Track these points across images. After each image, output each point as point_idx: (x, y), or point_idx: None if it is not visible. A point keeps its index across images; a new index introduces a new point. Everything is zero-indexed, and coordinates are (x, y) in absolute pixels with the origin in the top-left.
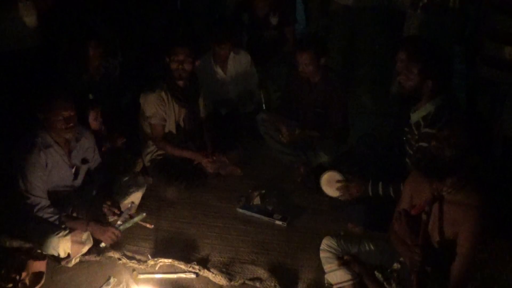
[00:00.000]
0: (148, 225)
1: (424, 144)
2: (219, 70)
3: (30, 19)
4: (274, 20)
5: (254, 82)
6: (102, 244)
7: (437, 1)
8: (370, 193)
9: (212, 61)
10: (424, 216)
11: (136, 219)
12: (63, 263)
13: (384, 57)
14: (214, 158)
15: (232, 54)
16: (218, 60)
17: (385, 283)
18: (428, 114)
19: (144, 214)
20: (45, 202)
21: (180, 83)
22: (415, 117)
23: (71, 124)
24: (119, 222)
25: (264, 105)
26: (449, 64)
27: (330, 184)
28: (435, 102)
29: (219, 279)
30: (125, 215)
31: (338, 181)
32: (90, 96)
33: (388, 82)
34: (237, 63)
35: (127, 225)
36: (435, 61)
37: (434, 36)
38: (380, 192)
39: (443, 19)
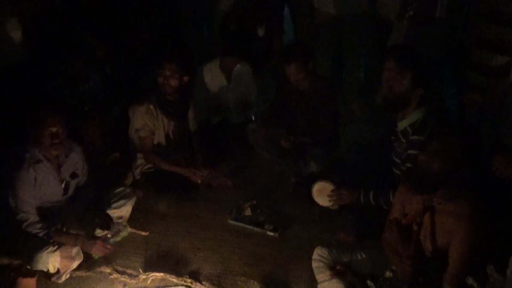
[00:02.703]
0: (143, 233)
1: (414, 152)
2: (222, 78)
3: (15, 33)
4: (261, 32)
5: (253, 94)
6: (95, 256)
7: (424, 11)
8: (362, 202)
9: (218, 68)
10: (415, 227)
11: (123, 233)
12: (53, 279)
13: (372, 65)
14: (204, 172)
15: (238, 65)
16: (224, 69)
17: None
18: (416, 121)
19: (129, 229)
20: (34, 217)
21: (169, 96)
22: (402, 124)
23: (57, 141)
24: (109, 235)
25: (253, 116)
26: (438, 73)
27: (321, 193)
28: (422, 110)
29: None
30: (115, 229)
31: (332, 190)
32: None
33: (377, 90)
34: (240, 74)
35: (117, 238)
36: (426, 69)
37: (421, 46)
38: (372, 201)
39: (430, 29)
